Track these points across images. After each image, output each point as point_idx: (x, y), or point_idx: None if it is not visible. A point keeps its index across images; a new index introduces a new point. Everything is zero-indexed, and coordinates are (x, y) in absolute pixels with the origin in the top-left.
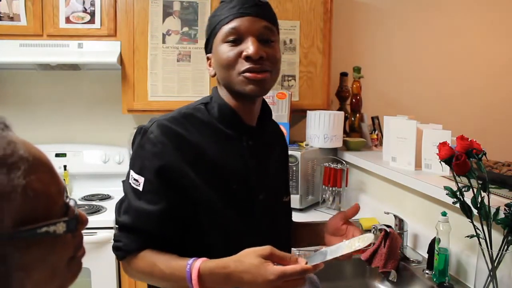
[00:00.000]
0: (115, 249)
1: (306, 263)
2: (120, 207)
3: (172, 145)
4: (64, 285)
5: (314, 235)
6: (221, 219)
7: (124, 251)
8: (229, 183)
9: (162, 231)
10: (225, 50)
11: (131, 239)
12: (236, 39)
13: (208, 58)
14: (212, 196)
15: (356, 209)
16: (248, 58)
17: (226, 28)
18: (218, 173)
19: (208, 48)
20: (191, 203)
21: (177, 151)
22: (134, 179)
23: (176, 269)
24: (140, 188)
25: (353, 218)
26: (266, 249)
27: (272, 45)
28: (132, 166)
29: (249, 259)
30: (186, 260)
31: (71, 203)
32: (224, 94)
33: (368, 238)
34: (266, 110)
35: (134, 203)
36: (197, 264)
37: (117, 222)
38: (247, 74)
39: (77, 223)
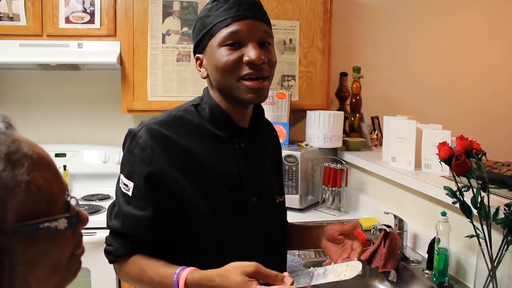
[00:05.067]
0: (106, 252)
1: (293, 283)
2: (112, 211)
3: (161, 149)
4: (63, 282)
5: (312, 238)
6: (212, 223)
7: (114, 255)
8: (221, 186)
9: (151, 236)
10: (224, 54)
11: (121, 243)
12: (237, 43)
13: (198, 58)
14: (202, 200)
15: (354, 226)
16: (250, 63)
17: (225, 31)
18: (209, 177)
19: (199, 48)
20: (181, 207)
21: (166, 155)
22: (124, 184)
23: (164, 277)
24: (130, 193)
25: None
26: (251, 266)
27: (269, 48)
28: (122, 170)
29: (234, 275)
30: (174, 268)
31: (72, 201)
32: (216, 96)
33: (356, 268)
34: (259, 111)
35: (124, 208)
36: (184, 274)
37: (108, 226)
38: (248, 83)
39: (78, 220)
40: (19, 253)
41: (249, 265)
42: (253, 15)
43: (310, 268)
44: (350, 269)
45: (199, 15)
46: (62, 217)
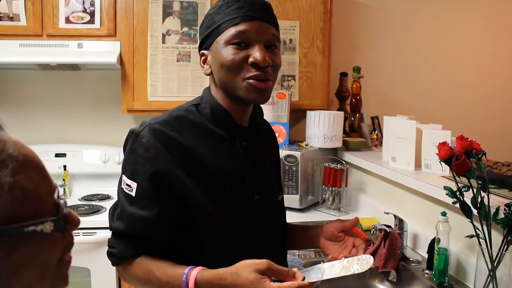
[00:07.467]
0: (109, 255)
1: (304, 278)
2: (114, 213)
3: (165, 149)
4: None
5: (310, 239)
6: (216, 221)
7: (118, 257)
8: (223, 184)
9: (156, 236)
10: (230, 53)
11: (125, 245)
12: (243, 42)
13: (203, 55)
14: (206, 199)
15: (355, 223)
16: (254, 65)
17: (234, 30)
18: (212, 176)
19: (205, 45)
20: (185, 207)
21: (170, 155)
22: (127, 185)
23: (172, 277)
24: (133, 194)
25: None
26: (263, 263)
27: (275, 52)
28: (124, 171)
29: (246, 273)
30: (182, 269)
31: (62, 203)
32: (218, 94)
33: (368, 261)
34: (258, 110)
35: (127, 209)
36: (194, 274)
37: (110, 228)
38: (253, 82)
39: (66, 223)
40: (3, 258)
41: (261, 263)
42: (263, 17)
43: (320, 263)
44: (362, 262)
45: (209, 11)
46: (48, 220)
